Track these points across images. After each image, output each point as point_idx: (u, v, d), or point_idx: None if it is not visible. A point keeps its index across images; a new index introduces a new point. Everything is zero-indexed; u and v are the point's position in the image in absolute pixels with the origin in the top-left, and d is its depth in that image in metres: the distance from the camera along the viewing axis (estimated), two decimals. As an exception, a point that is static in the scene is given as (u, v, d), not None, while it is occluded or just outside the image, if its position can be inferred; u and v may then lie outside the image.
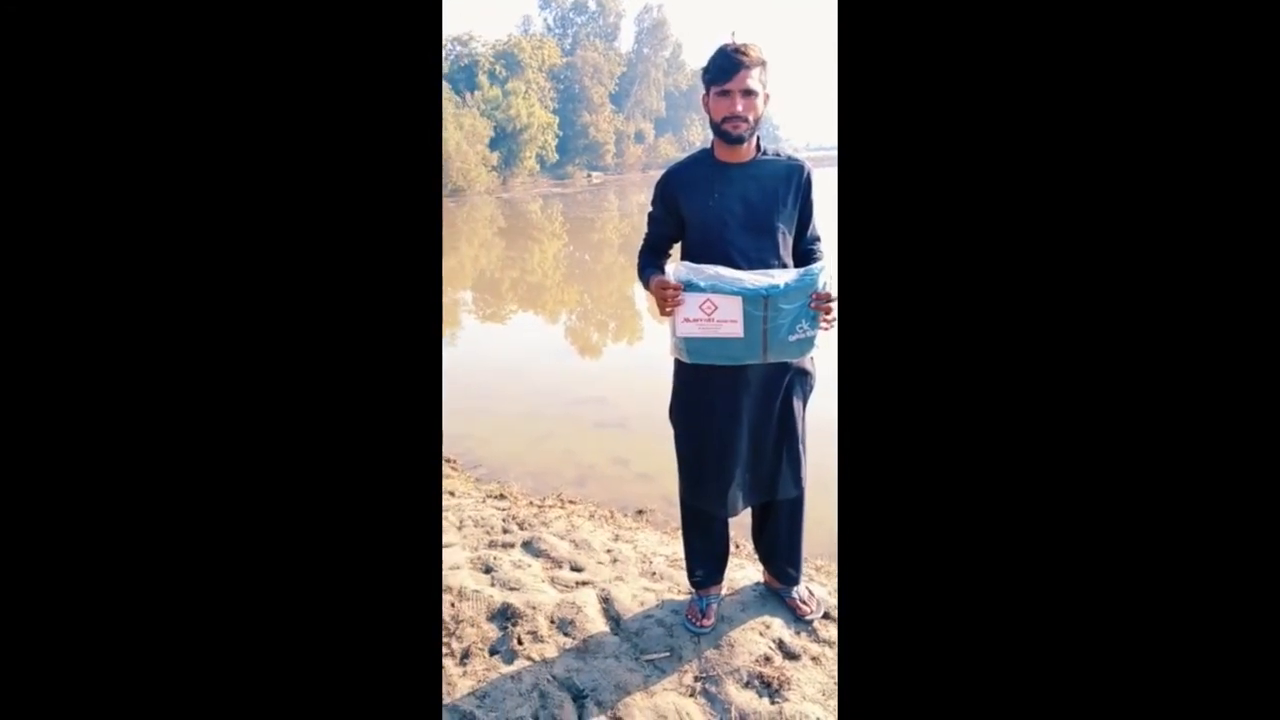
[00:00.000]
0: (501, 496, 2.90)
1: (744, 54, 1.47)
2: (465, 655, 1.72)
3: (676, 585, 2.00)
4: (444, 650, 1.74)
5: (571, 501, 2.91)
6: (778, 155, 1.61)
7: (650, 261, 1.69)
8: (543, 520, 2.54)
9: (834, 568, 2.19)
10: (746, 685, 1.60)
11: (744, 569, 2.05)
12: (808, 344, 1.55)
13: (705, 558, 1.81)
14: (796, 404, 1.67)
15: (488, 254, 12.86)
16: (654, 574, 2.10)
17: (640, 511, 2.86)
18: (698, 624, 1.76)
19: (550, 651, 1.72)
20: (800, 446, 1.69)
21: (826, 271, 1.51)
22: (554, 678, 1.63)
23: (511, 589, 2.00)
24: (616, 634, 1.78)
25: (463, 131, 27.07)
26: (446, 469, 3.31)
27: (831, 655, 1.70)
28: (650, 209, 1.70)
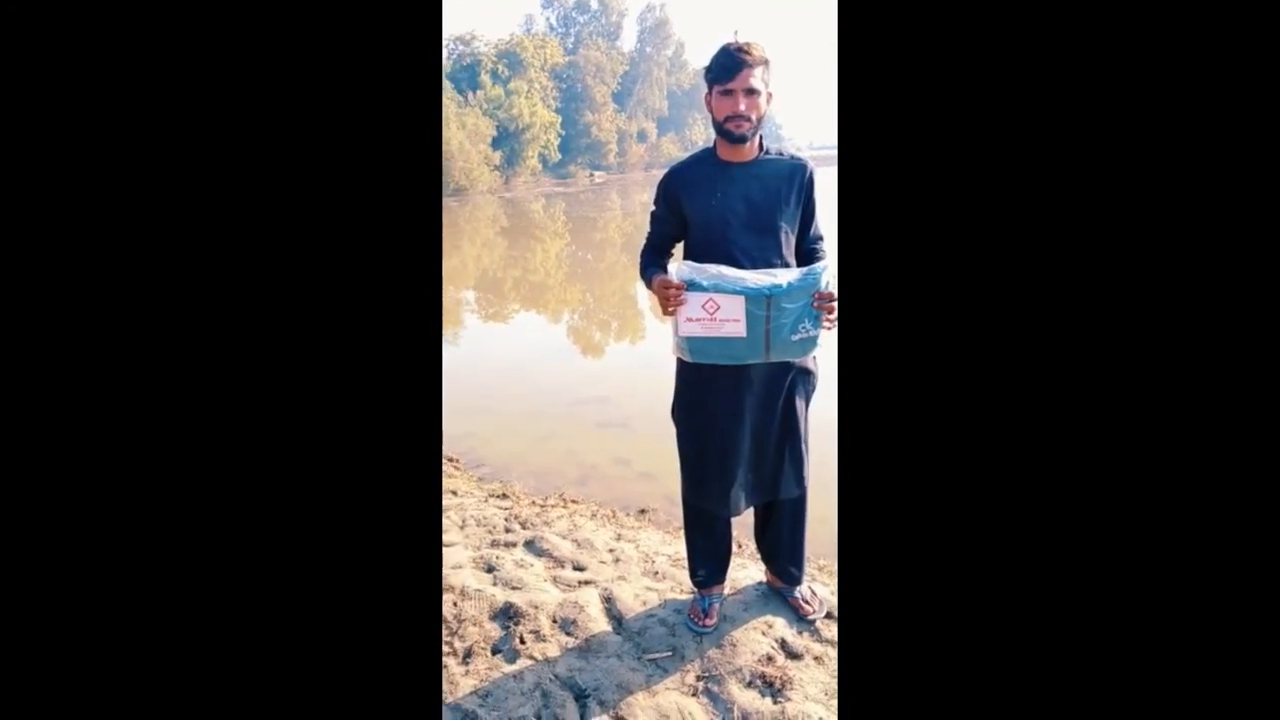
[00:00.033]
0: (504, 496, 2.90)
1: (747, 53, 1.46)
2: (468, 654, 1.72)
3: (679, 585, 2.00)
4: (447, 649, 1.74)
5: (574, 501, 2.91)
6: (780, 154, 1.61)
7: (653, 261, 1.69)
8: (545, 520, 2.55)
9: (836, 567, 2.19)
10: (749, 685, 1.59)
11: (746, 568, 2.05)
12: (810, 343, 1.55)
13: (708, 557, 1.80)
14: (799, 403, 1.67)
15: (490, 253, 12.87)
16: (656, 573, 2.11)
17: (642, 511, 2.86)
18: (700, 623, 1.76)
19: (552, 651, 1.72)
20: (803, 446, 1.69)
21: (829, 271, 1.51)
22: (556, 677, 1.63)
23: (514, 588, 2.00)
24: (619, 633, 1.79)
25: (465, 131, 27.08)
26: (449, 468, 3.31)
27: (834, 655, 1.69)
28: (653, 208, 1.70)
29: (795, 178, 1.58)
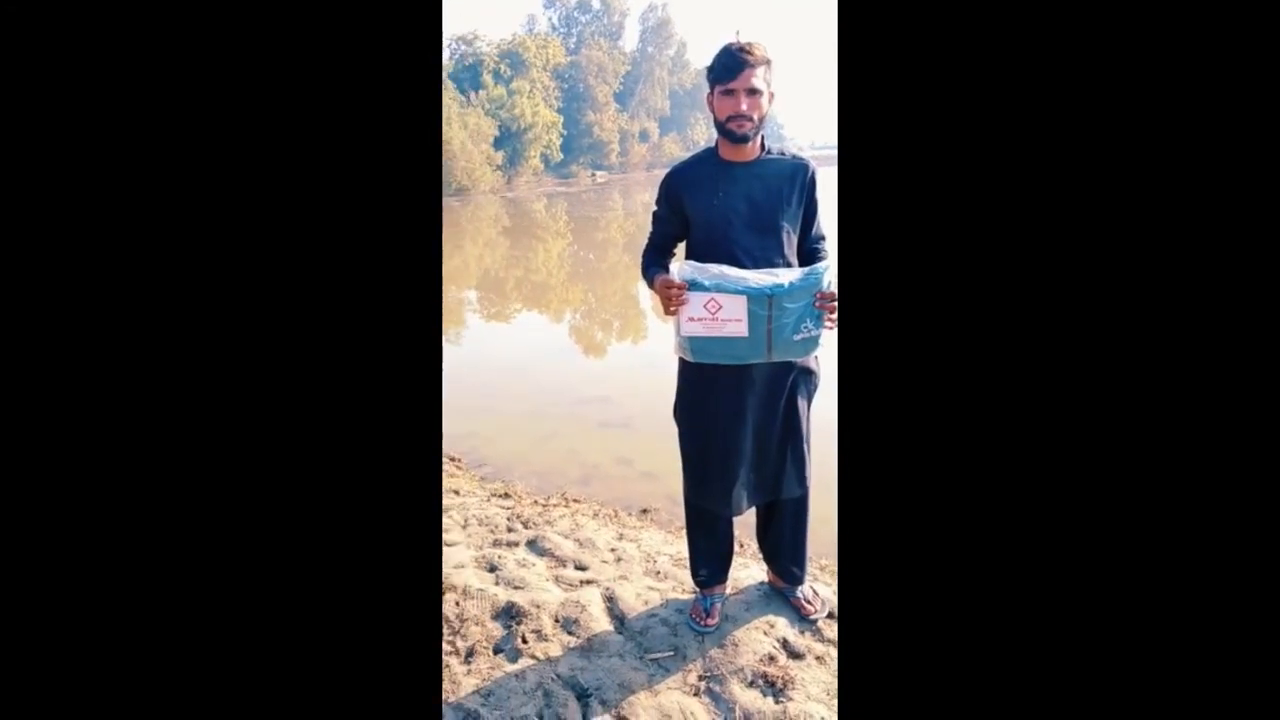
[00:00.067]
0: (506, 495, 2.90)
1: (749, 53, 1.46)
2: (470, 654, 1.72)
3: (681, 584, 2.00)
4: (449, 649, 1.75)
5: (576, 500, 2.91)
6: (782, 154, 1.61)
7: (655, 260, 1.69)
8: (547, 519, 2.55)
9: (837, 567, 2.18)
10: (751, 684, 1.60)
11: (748, 568, 2.05)
12: (812, 343, 1.55)
13: (709, 557, 1.81)
14: (801, 403, 1.67)
15: (492, 253, 12.87)
16: (658, 573, 2.11)
17: (644, 510, 2.86)
18: (702, 623, 1.77)
19: (554, 650, 1.72)
20: (805, 445, 1.69)
21: (831, 270, 1.51)
22: (558, 676, 1.63)
23: (516, 588, 2.01)
24: (621, 633, 1.79)
25: (467, 131, 27.10)
26: (451, 468, 3.32)
27: (836, 655, 1.69)
28: (655, 208, 1.70)
29: (797, 177, 1.58)
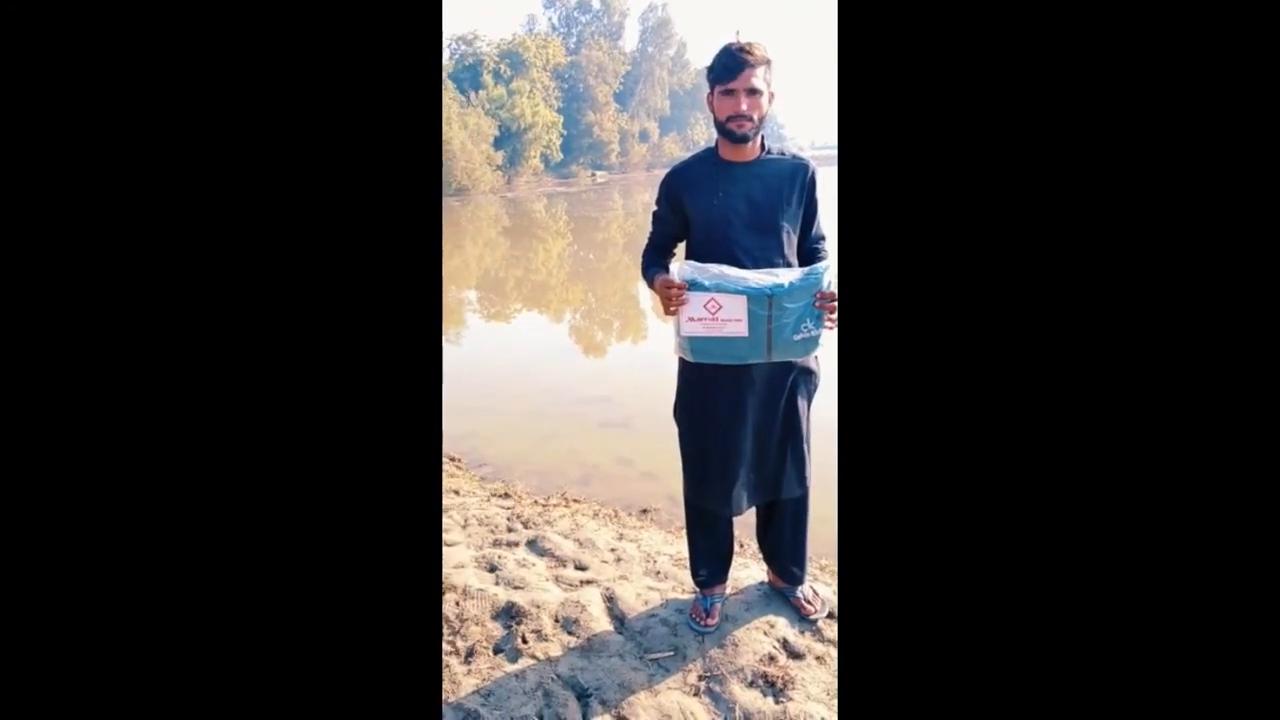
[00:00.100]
0: (506, 495, 2.90)
1: (749, 53, 1.46)
2: (470, 654, 1.72)
3: (681, 584, 2.00)
4: (449, 649, 1.75)
5: (576, 500, 2.91)
6: (782, 154, 1.61)
7: (655, 260, 1.69)
8: (547, 519, 2.55)
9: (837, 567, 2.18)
10: (751, 684, 1.60)
11: (748, 568, 2.05)
12: (812, 343, 1.55)
13: (709, 557, 1.81)
14: (801, 403, 1.67)
15: (492, 253, 12.87)
16: (658, 573, 2.11)
17: (644, 510, 2.86)
18: (702, 623, 1.77)
19: (554, 650, 1.72)
20: (805, 445, 1.69)
21: (831, 270, 1.51)
22: (558, 676, 1.63)
23: (516, 588, 2.01)
24: (621, 633, 1.79)
25: (467, 131, 27.10)
26: (451, 468, 3.32)
27: (836, 655, 1.69)
28: (655, 208, 1.70)
29: (797, 177, 1.58)
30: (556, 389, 4.77)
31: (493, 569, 2.13)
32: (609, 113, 41.99)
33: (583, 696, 1.58)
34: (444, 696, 1.58)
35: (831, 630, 1.78)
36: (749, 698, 1.56)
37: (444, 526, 2.45)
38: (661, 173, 1.76)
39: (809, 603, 1.82)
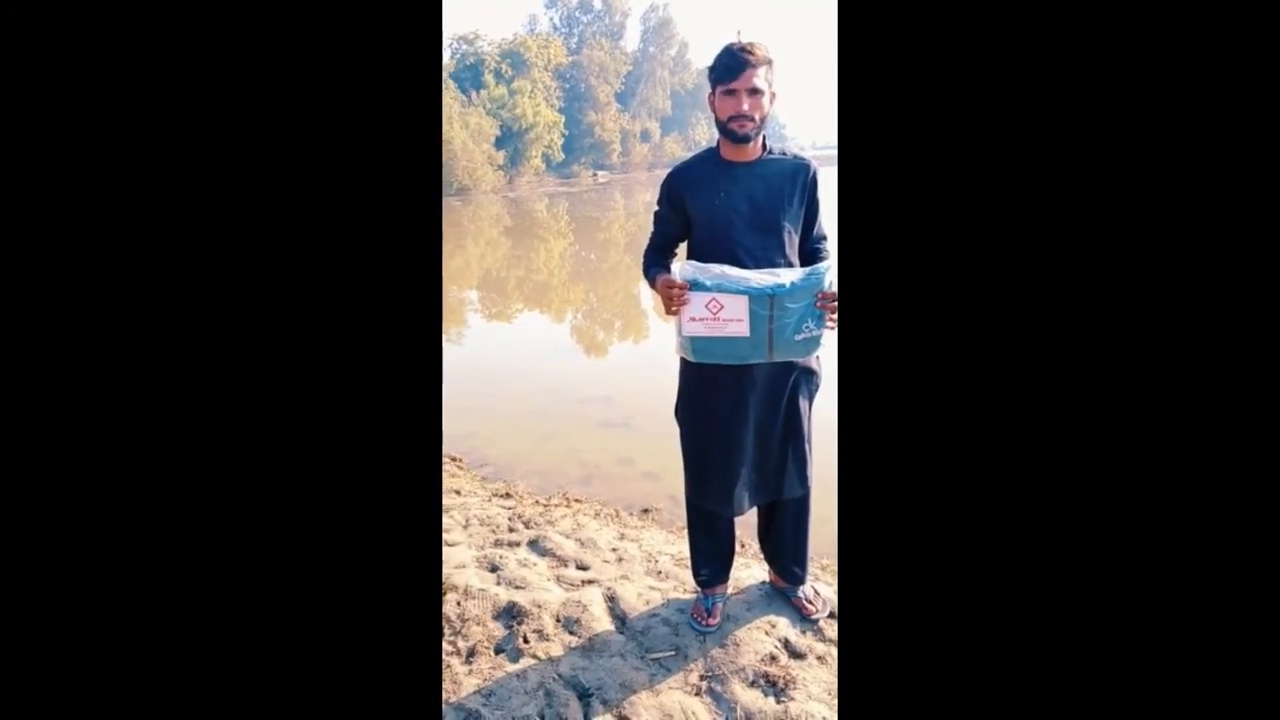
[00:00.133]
0: (507, 495, 2.90)
1: (750, 53, 1.46)
2: (471, 654, 1.72)
3: (682, 584, 2.00)
4: (450, 648, 1.75)
5: (577, 500, 2.91)
6: (784, 154, 1.61)
7: (656, 260, 1.69)
8: (548, 519, 2.55)
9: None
10: (752, 684, 1.60)
11: (750, 568, 2.05)
12: (814, 343, 1.55)
13: (711, 557, 1.81)
14: (802, 403, 1.67)
15: (493, 253, 12.88)
16: (659, 573, 2.11)
17: (646, 510, 2.86)
18: (703, 623, 1.77)
19: (556, 650, 1.72)
20: (806, 445, 1.69)
21: (833, 270, 1.51)
22: (559, 676, 1.63)
23: (517, 588, 2.01)
24: (622, 633, 1.79)
25: (469, 130, 27.11)
26: (453, 468, 3.32)
27: (837, 655, 1.69)
28: (656, 208, 1.70)
29: (799, 177, 1.58)
30: (558, 389, 4.77)
31: (494, 569, 2.13)
32: (610, 112, 41.99)
33: (584, 696, 1.58)
34: (445, 696, 1.58)
35: (833, 630, 1.78)
36: (750, 697, 1.56)
37: (445, 526, 2.46)
38: (663, 173, 1.76)
39: (810, 603, 1.82)
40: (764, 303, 1.46)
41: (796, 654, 1.69)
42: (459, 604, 1.91)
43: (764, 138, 1.58)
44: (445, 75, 29.62)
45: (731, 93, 1.48)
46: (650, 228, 1.73)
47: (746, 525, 1.97)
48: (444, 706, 1.54)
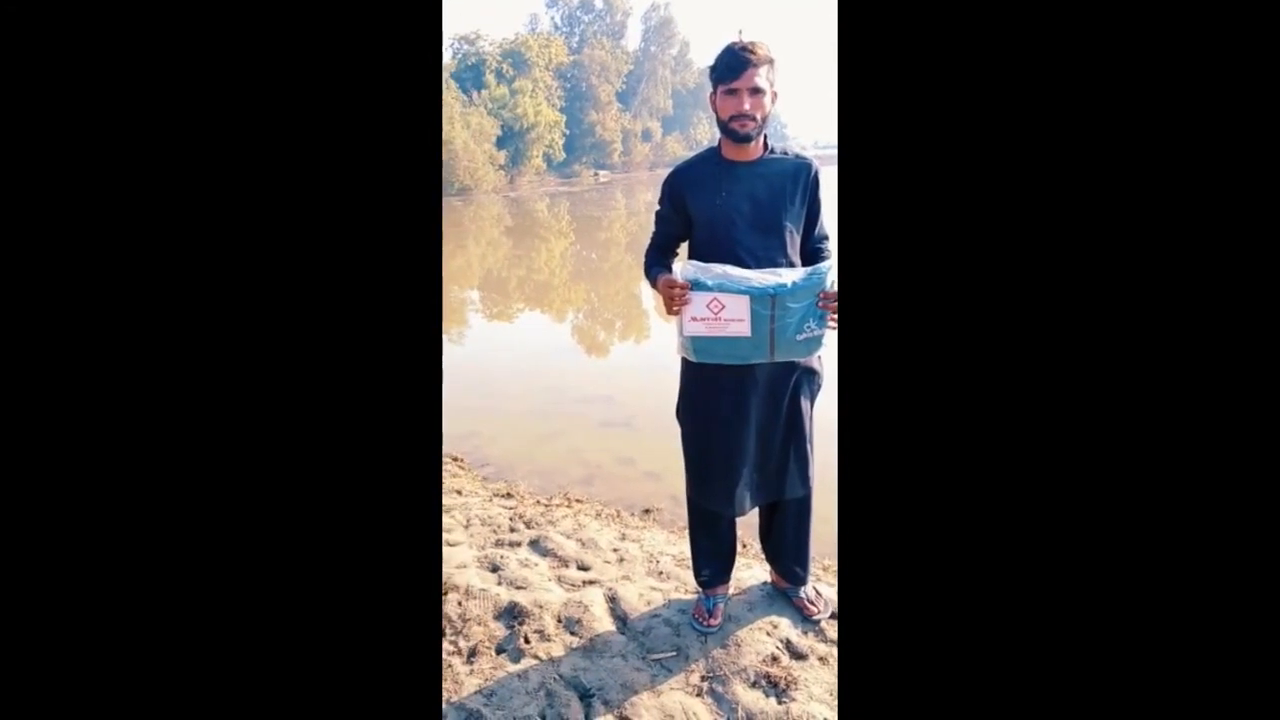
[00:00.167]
0: (508, 495, 2.90)
1: (751, 52, 1.46)
2: (472, 654, 1.72)
3: (683, 585, 2.00)
4: (451, 649, 1.75)
5: (578, 500, 2.91)
6: (785, 153, 1.61)
7: (657, 260, 1.69)
8: (549, 519, 2.55)
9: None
10: (753, 685, 1.59)
11: (751, 569, 2.04)
12: (815, 343, 1.54)
13: (712, 557, 1.80)
14: (804, 403, 1.66)
15: (495, 253, 12.88)
16: (661, 573, 2.10)
17: (647, 510, 2.86)
18: (704, 623, 1.76)
19: (557, 650, 1.72)
20: (807, 445, 1.69)
21: (834, 270, 1.51)
22: (561, 676, 1.63)
23: (518, 588, 2.01)
24: (623, 633, 1.78)
25: (470, 130, 27.11)
26: (454, 467, 3.32)
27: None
28: (658, 208, 1.70)
29: (800, 177, 1.58)
30: (559, 389, 4.77)
31: (495, 569, 2.13)
32: (612, 112, 41.99)
33: (585, 697, 1.58)
34: (447, 696, 1.58)
35: (835, 631, 1.77)
36: (752, 698, 1.56)
37: (447, 526, 2.46)
38: (664, 172, 1.76)
39: (812, 603, 1.82)
40: (765, 302, 1.46)
41: (798, 655, 1.68)
42: (460, 604, 1.91)
43: (765, 137, 1.57)
44: (446, 75, 29.65)
45: (733, 92, 1.48)
46: (651, 227, 1.73)
47: (748, 525, 1.97)
48: (445, 706, 1.54)
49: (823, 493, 1.75)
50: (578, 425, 3.97)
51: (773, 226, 1.56)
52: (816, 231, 1.65)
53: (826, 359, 1.63)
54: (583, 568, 2.15)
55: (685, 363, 1.66)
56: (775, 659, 1.66)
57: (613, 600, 1.92)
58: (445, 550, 2.25)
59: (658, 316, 6.60)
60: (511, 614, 1.87)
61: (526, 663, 1.68)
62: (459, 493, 2.90)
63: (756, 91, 1.47)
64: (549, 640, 1.76)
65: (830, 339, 1.50)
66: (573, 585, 2.03)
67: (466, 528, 2.46)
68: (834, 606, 1.83)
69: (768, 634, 1.74)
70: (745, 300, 1.46)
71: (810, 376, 1.67)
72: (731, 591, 1.88)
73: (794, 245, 1.60)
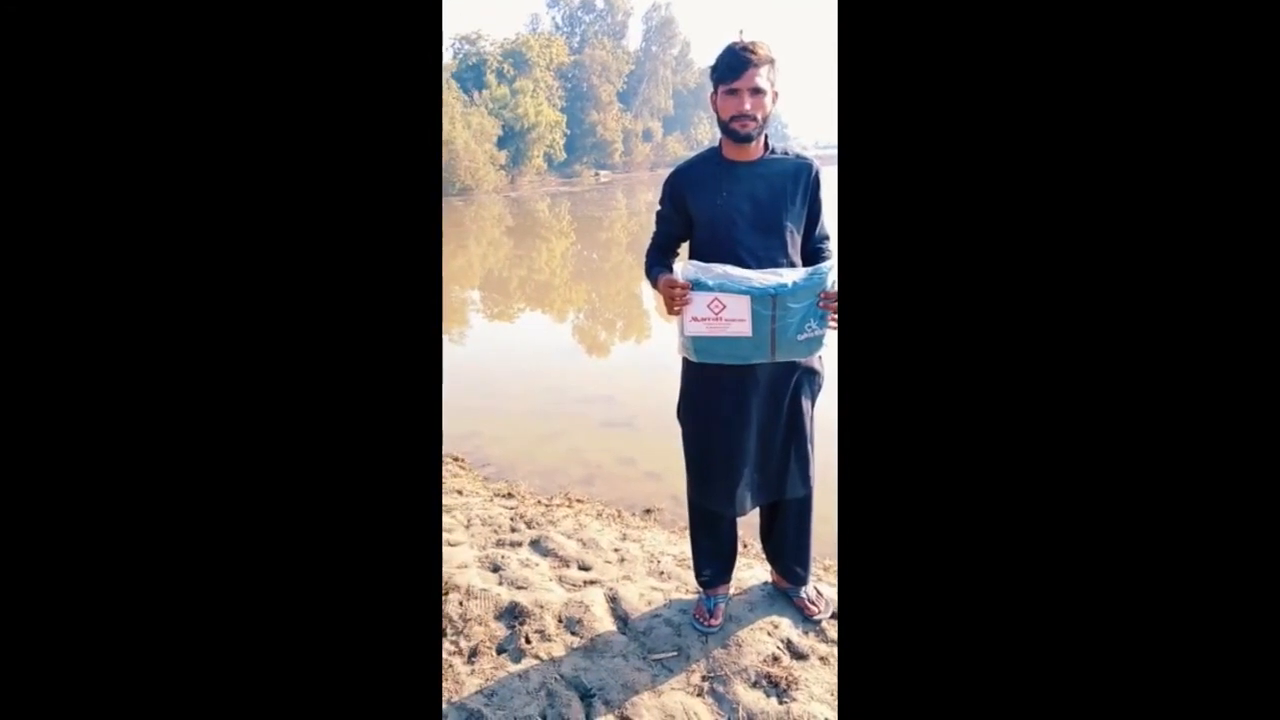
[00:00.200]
0: (509, 495, 2.90)
1: (752, 52, 1.46)
2: (473, 654, 1.72)
3: (684, 585, 2.00)
4: (452, 648, 1.75)
5: (579, 500, 2.91)
6: (786, 154, 1.61)
7: (658, 260, 1.69)
8: (550, 519, 2.55)
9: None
10: (754, 685, 1.59)
11: (752, 569, 2.04)
12: (816, 343, 1.54)
13: (713, 557, 1.80)
14: (804, 403, 1.66)
15: (496, 253, 12.88)
16: (662, 573, 2.10)
17: (648, 510, 2.86)
18: (705, 623, 1.76)
19: (558, 650, 1.72)
20: (808, 445, 1.68)
21: (835, 270, 1.51)
22: (561, 676, 1.63)
23: (519, 588, 2.01)
24: (624, 633, 1.78)
25: (471, 130, 27.12)
26: (455, 467, 3.32)
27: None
28: (659, 208, 1.70)
29: (801, 177, 1.58)
30: (560, 389, 4.77)
31: (496, 569, 2.13)
32: (612, 112, 41.99)
33: (586, 697, 1.58)
34: (448, 696, 1.58)
35: (835, 631, 1.77)
36: (752, 698, 1.55)
37: (447, 526, 2.46)
38: (665, 172, 1.76)
39: (813, 603, 1.81)
40: (766, 303, 1.45)
41: (799, 655, 1.68)
42: (461, 604, 1.91)
43: (766, 137, 1.57)
44: (447, 75, 29.66)
45: (734, 92, 1.48)
46: (652, 227, 1.73)
47: (749, 525, 1.97)
48: (446, 706, 1.54)
49: (823, 493, 1.75)
50: (579, 425, 3.97)
51: (773, 226, 1.56)
52: (817, 232, 1.65)
53: (827, 359, 1.63)
54: (584, 568, 2.15)
55: (686, 363, 1.66)
56: (776, 659, 1.66)
57: (614, 600, 1.92)
58: (446, 550, 2.25)
59: (659, 316, 6.60)
60: (512, 614, 1.87)
61: (527, 663, 1.68)
62: (460, 493, 2.90)
63: (757, 92, 1.47)
64: (550, 640, 1.76)
65: (831, 339, 1.50)
66: (574, 585, 2.03)
67: (467, 528, 2.46)
68: (834, 606, 1.83)
69: (769, 634, 1.74)
70: (746, 300, 1.46)
71: (811, 376, 1.67)
72: (732, 591, 1.88)
73: (795, 245, 1.60)
